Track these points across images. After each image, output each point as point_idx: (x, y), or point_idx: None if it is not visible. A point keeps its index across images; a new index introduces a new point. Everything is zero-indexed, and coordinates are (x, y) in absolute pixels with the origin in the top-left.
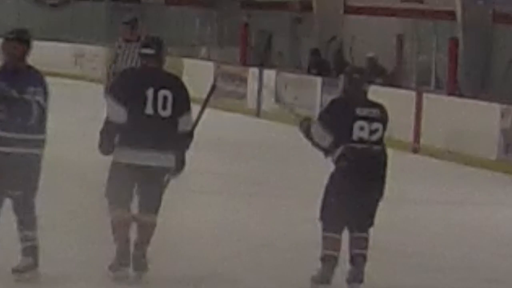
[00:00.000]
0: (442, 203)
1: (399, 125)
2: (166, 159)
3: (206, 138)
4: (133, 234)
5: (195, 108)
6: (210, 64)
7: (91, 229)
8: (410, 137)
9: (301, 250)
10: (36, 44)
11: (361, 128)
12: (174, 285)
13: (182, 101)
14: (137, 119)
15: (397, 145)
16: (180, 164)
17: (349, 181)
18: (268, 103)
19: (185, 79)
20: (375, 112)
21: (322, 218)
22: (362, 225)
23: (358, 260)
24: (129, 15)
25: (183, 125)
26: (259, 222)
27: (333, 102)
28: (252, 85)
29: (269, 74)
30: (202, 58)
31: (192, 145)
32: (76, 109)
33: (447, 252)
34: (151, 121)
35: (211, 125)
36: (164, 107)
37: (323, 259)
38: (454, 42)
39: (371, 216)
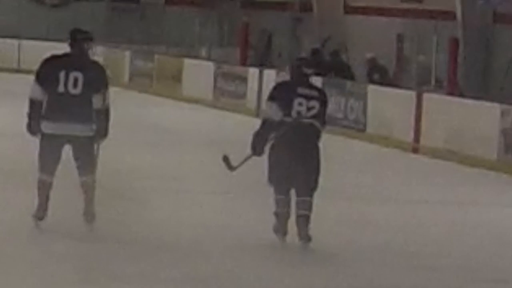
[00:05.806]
0: (442, 203)
1: (399, 125)
2: (83, 129)
3: (206, 138)
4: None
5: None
6: (210, 64)
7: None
8: (410, 137)
9: (300, 249)
10: (36, 44)
11: (300, 104)
12: (174, 285)
13: (94, 81)
14: (51, 97)
15: (397, 145)
16: (103, 132)
17: (286, 150)
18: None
19: (185, 78)
20: (313, 92)
21: (271, 182)
22: (304, 189)
23: (300, 220)
24: None
25: (96, 101)
26: (259, 222)
27: (280, 83)
28: (252, 85)
29: (269, 74)
30: (202, 58)
31: (192, 145)
32: None
33: (447, 252)
34: (63, 98)
35: (211, 125)
36: (75, 86)
37: (276, 214)
38: (454, 42)
39: (313, 181)
